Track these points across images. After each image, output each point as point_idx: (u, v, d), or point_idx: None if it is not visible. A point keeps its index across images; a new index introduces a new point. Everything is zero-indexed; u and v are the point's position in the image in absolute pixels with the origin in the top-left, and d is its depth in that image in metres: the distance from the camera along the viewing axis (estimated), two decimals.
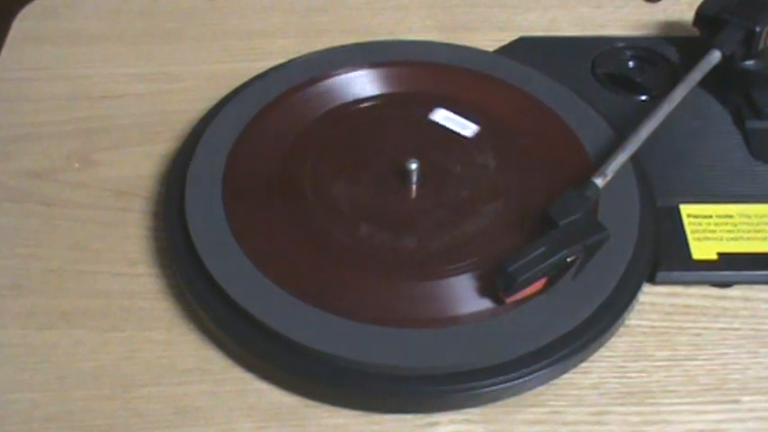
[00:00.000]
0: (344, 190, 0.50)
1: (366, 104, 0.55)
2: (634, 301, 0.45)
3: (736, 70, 0.56)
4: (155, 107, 0.57)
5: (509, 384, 0.42)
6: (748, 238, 0.48)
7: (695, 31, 0.59)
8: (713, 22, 0.57)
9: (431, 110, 0.53)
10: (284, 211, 0.48)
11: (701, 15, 0.58)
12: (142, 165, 0.54)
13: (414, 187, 0.50)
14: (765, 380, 0.44)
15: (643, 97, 0.57)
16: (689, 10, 0.60)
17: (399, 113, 0.54)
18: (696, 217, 0.49)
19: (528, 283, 0.43)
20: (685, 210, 0.50)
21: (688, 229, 0.49)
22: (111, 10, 0.65)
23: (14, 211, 0.51)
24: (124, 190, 0.52)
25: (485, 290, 0.44)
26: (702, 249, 0.48)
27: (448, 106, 0.54)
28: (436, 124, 0.52)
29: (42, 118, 0.57)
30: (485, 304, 0.44)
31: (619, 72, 0.59)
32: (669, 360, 0.44)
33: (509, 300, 0.43)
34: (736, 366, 0.44)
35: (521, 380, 0.42)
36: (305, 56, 0.58)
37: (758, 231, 0.49)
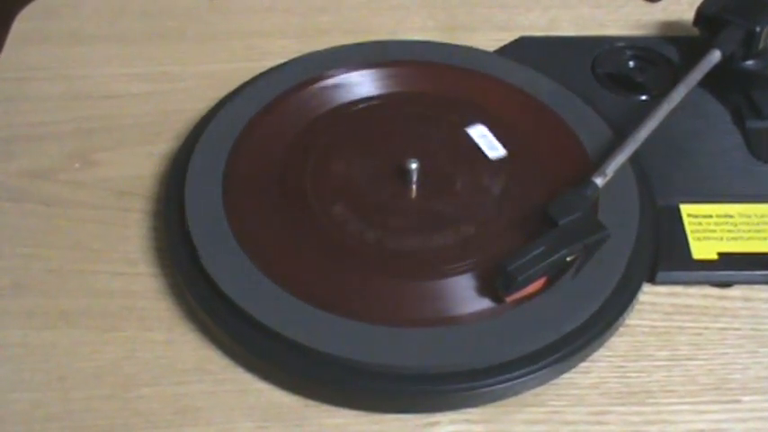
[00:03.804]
0: (344, 190, 0.50)
1: (366, 104, 0.55)
2: (634, 301, 0.45)
3: (737, 70, 0.56)
4: (155, 107, 0.57)
5: (509, 384, 0.42)
6: (748, 238, 0.48)
7: (695, 31, 0.59)
8: (713, 22, 0.57)
9: (465, 120, 0.53)
10: (284, 211, 0.48)
11: (701, 15, 0.58)
12: (142, 164, 0.54)
13: (414, 187, 0.50)
14: (765, 379, 0.44)
15: (643, 97, 0.57)
16: (689, 10, 0.60)
17: (399, 113, 0.54)
18: (696, 217, 0.49)
19: (528, 282, 0.43)
20: (685, 209, 0.50)
21: (688, 228, 0.49)
22: (112, 10, 0.65)
23: (15, 211, 0.51)
24: (124, 190, 0.52)
25: (485, 289, 0.44)
26: (702, 249, 0.48)
27: (484, 121, 0.53)
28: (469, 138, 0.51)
29: (43, 118, 0.57)
30: (485, 304, 0.44)
31: (619, 72, 0.59)
32: (669, 360, 0.44)
33: (509, 299, 0.43)
34: (737, 366, 0.44)
35: (521, 379, 0.42)
36: (305, 56, 0.58)
37: (758, 231, 0.49)
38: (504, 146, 0.52)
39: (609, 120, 0.53)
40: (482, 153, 0.52)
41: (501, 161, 0.51)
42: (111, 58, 0.61)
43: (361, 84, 0.56)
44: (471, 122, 0.53)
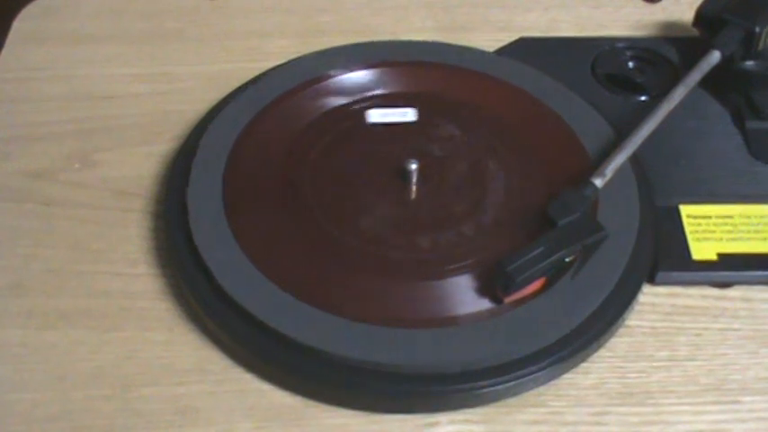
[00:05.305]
0: (344, 190, 0.50)
1: (366, 105, 0.55)
2: (633, 302, 0.45)
3: (736, 71, 0.56)
4: (155, 107, 0.57)
5: (509, 384, 0.42)
6: (748, 239, 0.48)
7: (695, 32, 0.59)
8: (713, 23, 0.57)
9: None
10: (284, 212, 0.48)
11: (700, 15, 0.58)
12: (143, 165, 0.54)
13: (413, 187, 0.50)
14: (765, 380, 0.44)
15: (643, 97, 0.57)
16: (689, 10, 0.60)
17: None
18: (696, 217, 0.49)
19: (526, 282, 0.43)
20: (685, 210, 0.50)
21: (688, 229, 0.49)
22: (112, 10, 0.65)
23: (14, 211, 0.51)
24: (124, 190, 0.52)
25: (484, 290, 0.44)
26: (702, 250, 0.48)
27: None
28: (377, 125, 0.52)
29: (43, 118, 0.57)
30: (484, 304, 0.44)
31: (619, 72, 0.59)
32: (669, 360, 0.44)
33: (508, 299, 0.44)
34: (736, 367, 0.44)
35: (520, 380, 0.42)
36: (305, 56, 0.58)
37: (758, 232, 0.49)
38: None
39: (609, 120, 0.53)
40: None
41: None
42: (112, 59, 0.61)
43: (361, 84, 0.56)
44: (367, 110, 0.53)
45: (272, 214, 0.48)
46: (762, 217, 0.49)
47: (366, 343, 0.42)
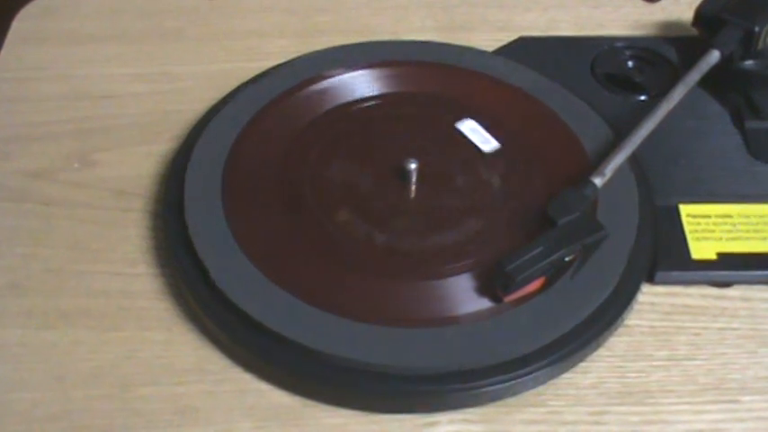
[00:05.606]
0: (344, 190, 0.50)
1: (365, 105, 0.55)
2: (633, 301, 0.45)
3: (736, 70, 0.56)
4: (154, 107, 0.57)
5: (508, 384, 0.42)
6: (747, 238, 0.48)
7: (695, 31, 0.59)
8: (712, 22, 0.57)
9: (459, 119, 0.53)
10: (283, 211, 0.48)
11: (700, 15, 0.58)
12: (142, 164, 0.54)
13: (413, 187, 0.50)
14: (764, 380, 0.44)
15: (642, 97, 0.57)
16: (688, 10, 0.60)
17: (399, 113, 0.54)
18: (695, 217, 0.49)
19: (526, 282, 0.43)
20: (684, 209, 0.50)
21: (687, 228, 0.49)
22: (111, 10, 0.65)
23: (14, 211, 0.51)
24: (124, 190, 0.52)
25: (484, 289, 0.44)
26: (701, 249, 0.48)
27: (471, 115, 0.54)
28: (461, 133, 0.52)
29: (42, 118, 0.57)
30: (484, 304, 0.44)
31: (618, 72, 0.59)
32: (668, 360, 0.44)
33: (507, 299, 0.44)
34: (736, 366, 0.44)
35: (520, 380, 0.42)
36: (304, 56, 0.58)
37: (757, 231, 0.49)
38: (504, 145, 0.52)
39: (608, 120, 0.53)
40: (480, 151, 0.52)
41: (500, 161, 0.51)
42: (111, 58, 0.61)
43: (361, 84, 0.56)
44: (461, 118, 0.53)
45: (271, 214, 0.48)
46: (761, 216, 0.49)
47: (365, 343, 0.42)
